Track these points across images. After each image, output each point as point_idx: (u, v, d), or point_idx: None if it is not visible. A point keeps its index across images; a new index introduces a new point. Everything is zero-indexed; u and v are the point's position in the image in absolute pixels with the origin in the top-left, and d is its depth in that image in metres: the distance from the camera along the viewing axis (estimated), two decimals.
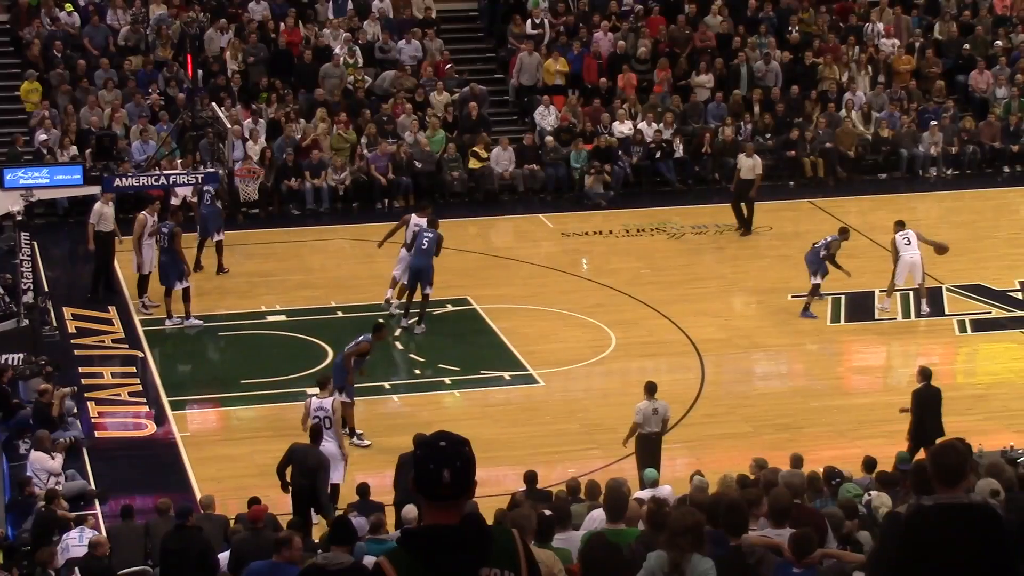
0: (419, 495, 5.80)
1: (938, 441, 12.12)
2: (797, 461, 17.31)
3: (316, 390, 19.74)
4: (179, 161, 28.07)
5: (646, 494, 16.21)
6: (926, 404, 19.81)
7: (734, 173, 30.92)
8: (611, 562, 7.85)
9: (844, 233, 26.22)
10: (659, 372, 23.56)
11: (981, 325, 25.71)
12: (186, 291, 25.04)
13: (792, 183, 33.96)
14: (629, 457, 19.71)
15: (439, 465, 5.72)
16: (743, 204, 30.37)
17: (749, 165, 30.35)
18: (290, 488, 18.10)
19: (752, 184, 30.25)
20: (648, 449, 19.34)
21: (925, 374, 20.13)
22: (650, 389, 19.65)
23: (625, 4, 36.87)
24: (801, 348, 24.92)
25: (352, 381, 20.85)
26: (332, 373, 21.46)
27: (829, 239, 26.02)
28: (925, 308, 25.76)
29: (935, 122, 34.87)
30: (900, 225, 25.96)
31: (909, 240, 25.65)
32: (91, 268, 26.82)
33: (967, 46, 37.13)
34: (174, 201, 28.65)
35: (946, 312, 26.17)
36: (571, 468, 19.68)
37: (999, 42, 37.39)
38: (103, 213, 26.11)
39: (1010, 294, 26.91)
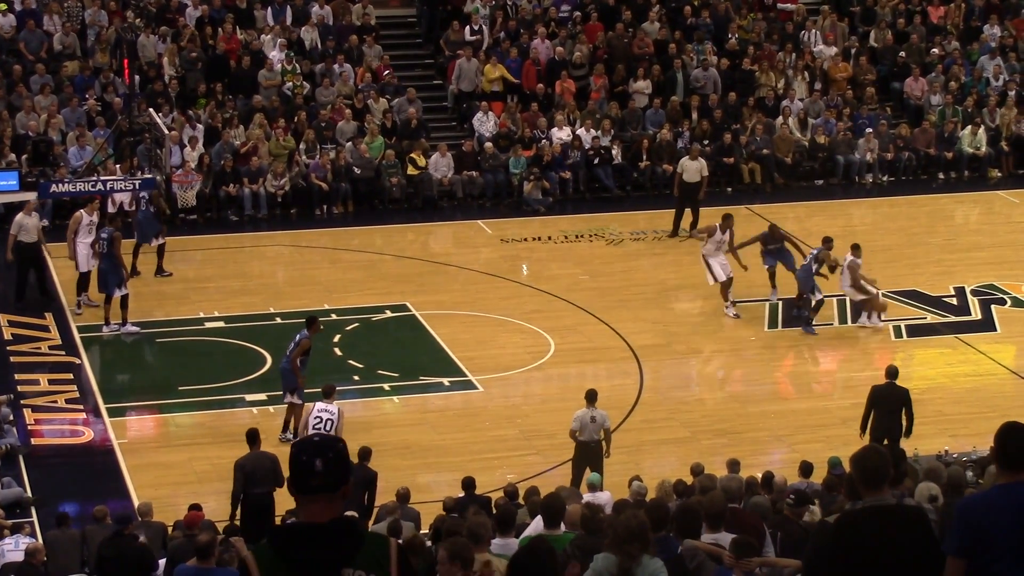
0: (294, 491, 5.87)
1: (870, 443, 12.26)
2: (734, 466, 17.43)
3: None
4: (117, 167, 27.91)
5: (586, 498, 16.28)
6: (878, 401, 19.90)
7: (675, 177, 31.03)
8: (543, 567, 7.91)
9: (828, 243, 25.89)
10: (598, 378, 23.64)
11: (916, 331, 25.95)
12: (124, 298, 24.90)
13: (729, 189, 34.14)
14: (568, 463, 19.76)
15: (311, 456, 5.81)
16: (689, 209, 30.44)
17: (695, 168, 30.49)
18: (242, 503, 18.02)
19: (700, 187, 30.41)
20: (586, 457, 19.38)
21: (890, 372, 20.24)
22: (590, 397, 19.69)
23: (563, 11, 36.97)
24: (739, 354, 25.06)
25: (303, 383, 20.87)
26: (281, 378, 21.48)
27: (816, 251, 25.83)
28: (877, 322, 25.79)
29: (871, 129, 35.16)
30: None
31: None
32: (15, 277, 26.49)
33: (903, 54, 37.47)
34: (111, 208, 28.47)
35: (882, 318, 26.37)
36: (509, 474, 19.74)
37: (935, 50, 37.74)
38: (23, 224, 25.90)
39: (945, 300, 27.17)
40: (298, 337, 21.33)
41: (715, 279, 26.18)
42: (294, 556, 5.79)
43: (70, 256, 25.83)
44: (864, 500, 7.49)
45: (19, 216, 26.02)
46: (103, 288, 24.93)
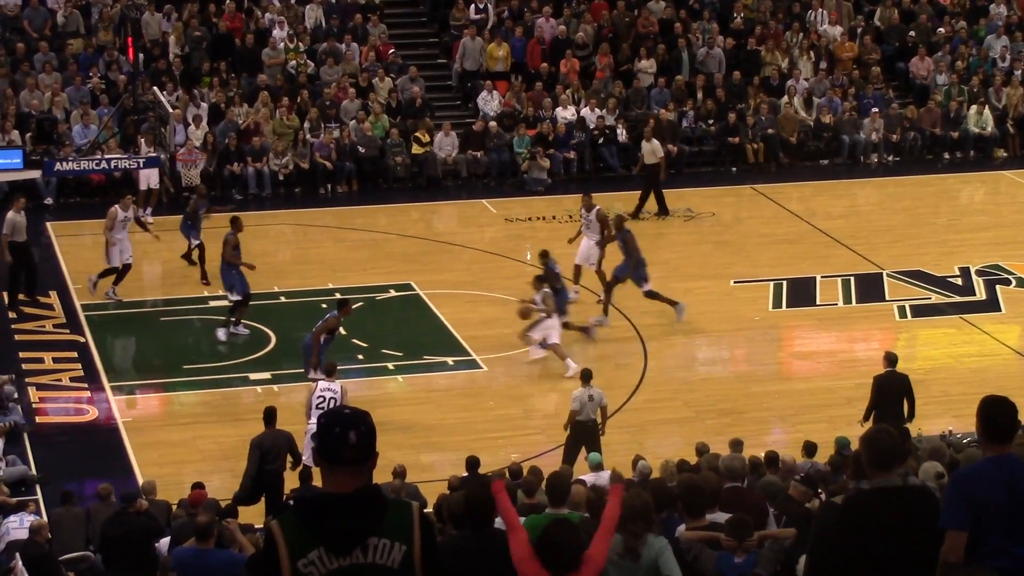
0: (323, 461, 5.86)
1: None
2: (737, 445, 17.39)
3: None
4: (141, 141, 27.59)
5: (589, 478, 16.29)
6: (884, 391, 19.70)
7: (639, 159, 31.02)
8: (572, 541, 7.94)
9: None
10: (602, 358, 23.63)
11: (921, 311, 25.90)
12: (242, 301, 24.11)
13: (734, 169, 34.10)
14: None
15: (345, 428, 5.82)
16: (652, 190, 30.37)
17: (649, 149, 30.44)
18: (253, 479, 18.01)
19: (658, 168, 30.31)
20: (583, 436, 19.39)
21: (890, 359, 19.98)
22: (585, 376, 19.73)
23: None
24: (743, 333, 25.02)
25: (316, 364, 20.79)
26: (303, 353, 21.47)
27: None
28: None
29: (876, 108, 35.07)
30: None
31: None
32: (9, 275, 25.45)
33: (912, 33, 37.36)
34: (142, 187, 28.19)
35: (886, 298, 26.36)
36: (514, 453, 19.73)
37: (941, 29, 37.64)
38: (16, 223, 24.98)
39: (949, 280, 27.11)
40: (328, 315, 21.43)
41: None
42: (321, 526, 5.80)
43: (108, 253, 25.29)
44: (870, 481, 7.49)
45: (10, 215, 25.02)
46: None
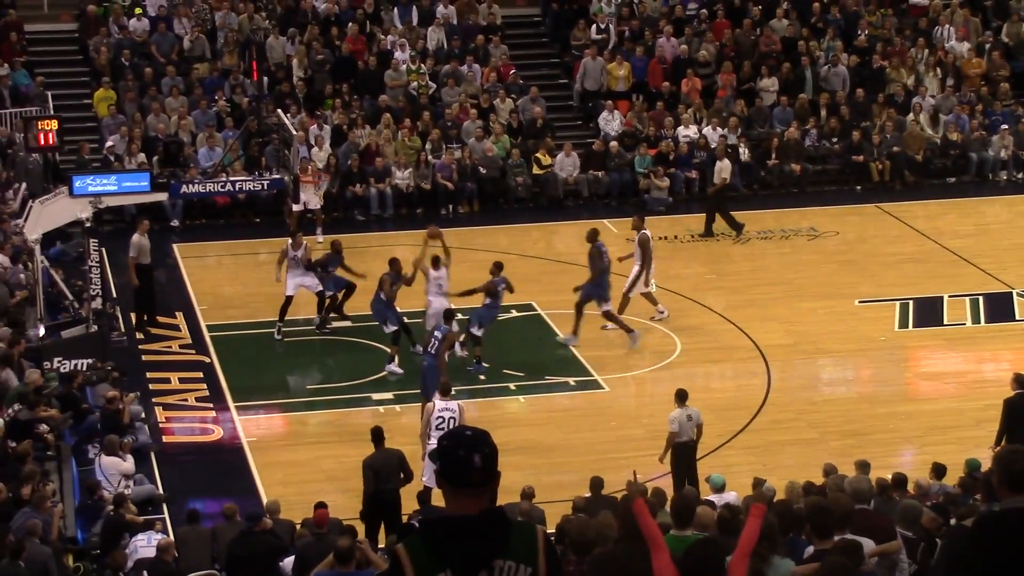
0: (447, 484, 5.84)
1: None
2: (864, 467, 17.15)
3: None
4: (311, 168, 28.05)
5: (714, 500, 16.13)
6: (1015, 414, 19.16)
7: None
8: (717, 562, 7.91)
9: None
10: (724, 378, 23.47)
11: None
12: (395, 334, 23.98)
13: (859, 187, 33.71)
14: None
15: (469, 451, 5.79)
16: (720, 209, 30.34)
17: (718, 168, 30.43)
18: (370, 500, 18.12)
19: (727, 188, 30.25)
20: (685, 457, 19.23)
21: (1019, 381, 19.47)
22: (681, 397, 19.54)
23: (690, 9, 36.76)
24: (868, 354, 24.70)
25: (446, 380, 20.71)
26: (426, 377, 21.42)
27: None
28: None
29: (1005, 125, 34.48)
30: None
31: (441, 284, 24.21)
32: (136, 297, 25.72)
33: None
34: (296, 208, 28.37)
35: (1017, 317, 25.88)
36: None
37: None
38: (141, 246, 25.30)
39: None
40: (439, 334, 21.45)
41: None
42: (448, 549, 5.78)
43: (276, 278, 25.41)
44: (1002, 502, 7.30)
45: (135, 237, 25.32)
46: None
